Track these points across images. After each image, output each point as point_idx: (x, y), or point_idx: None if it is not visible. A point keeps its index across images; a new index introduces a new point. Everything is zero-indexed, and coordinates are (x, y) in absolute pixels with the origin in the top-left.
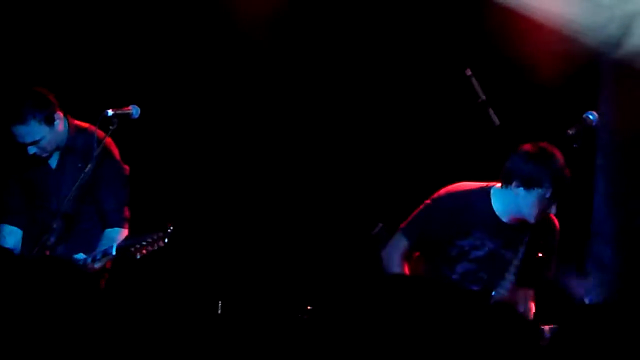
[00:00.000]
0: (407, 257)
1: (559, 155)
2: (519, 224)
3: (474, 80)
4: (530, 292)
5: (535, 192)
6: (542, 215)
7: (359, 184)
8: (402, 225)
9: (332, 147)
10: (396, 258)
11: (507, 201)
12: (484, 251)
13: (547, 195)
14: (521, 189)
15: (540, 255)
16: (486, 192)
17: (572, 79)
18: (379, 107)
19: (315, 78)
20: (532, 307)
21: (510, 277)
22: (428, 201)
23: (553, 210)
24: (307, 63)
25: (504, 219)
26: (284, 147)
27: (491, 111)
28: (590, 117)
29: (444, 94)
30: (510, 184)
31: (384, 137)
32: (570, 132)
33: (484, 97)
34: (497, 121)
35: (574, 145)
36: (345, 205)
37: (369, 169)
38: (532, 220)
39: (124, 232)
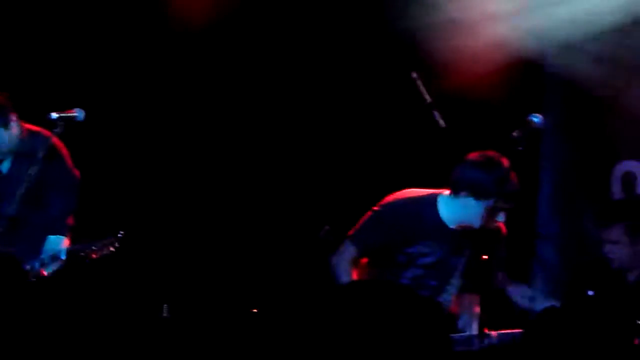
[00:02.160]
0: (355, 264)
1: (507, 165)
2: (465, 230)
3: (419, 83)
4: (476, 297)
5: (485, 203)
6: (491, 223)
7: (306, 187)
8: (350, 232)
9: (279, 150)
10: (344, 266)
11: (455, 209)
12: (432, 258)
13: (496, 206)
14: (471, 199)
15: (485, 257)
16: (434, 199)
17: (517, 82)
18: (326, 110)
19: (261, 81)
20: (478, 311)
21: (455, 282)
22: (376, 208)
23: (501, 218)
24: (254, 66)
25: (451, 226)
26: (230, 150)
27: (437, 114)
28: (535, 119)
29: (389, 97)
30: (459, 193)
31: (330, 140)
32: (515, 134)
33: (429, 99)
34: (442, 123)
35: (519, 148)
36: (292, 208)
37: (315, 172)
38: (476, 227)
39: (66, 241)
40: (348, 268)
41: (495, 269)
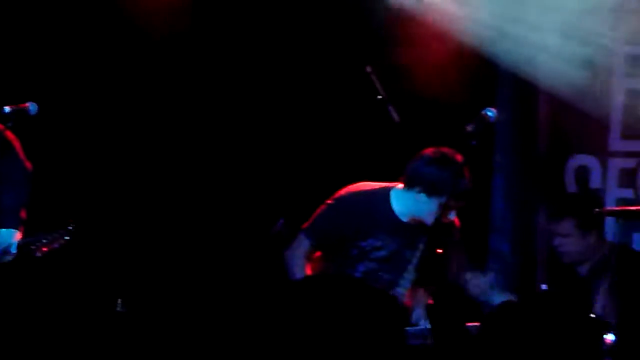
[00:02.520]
0: (308, 257)
1: (462, 163)
2: (419, 224)
3: (373, 77)
4: (430, 290)
5: (437, 200)
6: (441, 220)
7: (260, 181)
8: (304, 225)
9: (234, 144)
10: (298, 258)
11: (408, 203)
12: (385, 251)
13: (448, 203)
14: (423, 195)
15: (439, 251)
16: (387, 192)
17: (471, 76)
18: (282, 104)
19: (214, 76)
20: (430, 304)
21: (409, 275)
22: (329, 201)
23: (452, 216)
24: (206, 61)
25: (404, 220)
26: (184, 143)
27: (391, 108)
28: (489, 113)
29: (344, 92)
30: (413, 188)
31: (285, 133)
32: (468, 128)
33: (383, 94)
34: (396, 118)
35: (473, 142)
36: (246, 202)
37: (270, 166)
38: (429, 223)
39: (17, 235)
40: (301, 262)
41: (449, 261)
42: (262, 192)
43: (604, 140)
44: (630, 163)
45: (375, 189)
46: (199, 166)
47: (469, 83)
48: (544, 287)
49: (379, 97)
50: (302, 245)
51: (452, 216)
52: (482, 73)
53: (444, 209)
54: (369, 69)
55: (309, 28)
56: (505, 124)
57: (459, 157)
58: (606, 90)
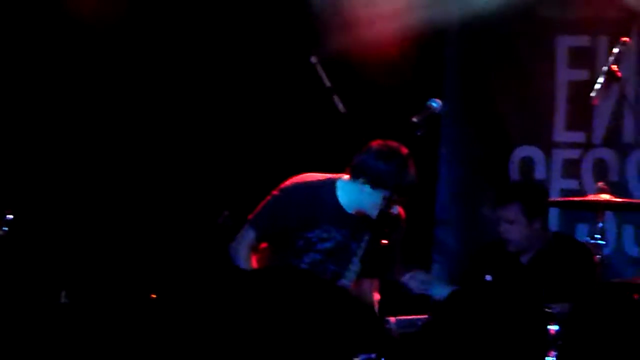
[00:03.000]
0: (254, 248)
1: (407, 156)
2: (364, 216)
3: (319, 67)
4: (375, 282)
5: (381, 192)
6: (387, 212)
7: (205, 172)
8: (250, 216)
9: (179, 135)
10: (243, 250)
11: (353, 195)
12: (331, 243)
13: (393, 196)
14: (368, 186)
15: (384, 242)
16: (333, 183)
17: (417, 67)
18: (226, 95)
19: (157, 66)
20: (377, 297)
21: (354, 267)
22: (275, 192)
23: (395, 210)
24: (148, 51)
25: (349, 211)
26: (128, 134)
27: (336, 98)
28: (434, 104)
29: (289, 82)
30: (358, 179)
31: (229, 125)
32: (414, 119)
33: (329, 84)
34: (342, 108)
35: (418, 133)
36: (191, 193)
37: (215, 157)
38: (373, 216)
39: None
40: (247, 253)
41: (395, 254)
42: (207, 184)
43: (548, 131)
44: (574, 154)
45: (321, 180)
46: (146, 157)
47: (415, 74)
48: (488, 278)
49: (325, 87)
50: (248, 236)
51: (395, 210)
52: (428, 64)
53: (388, 202)
54: (314, 59)
55: (252, 18)
56: (451, 115)
57: (405, 151)
58: (550, 81)
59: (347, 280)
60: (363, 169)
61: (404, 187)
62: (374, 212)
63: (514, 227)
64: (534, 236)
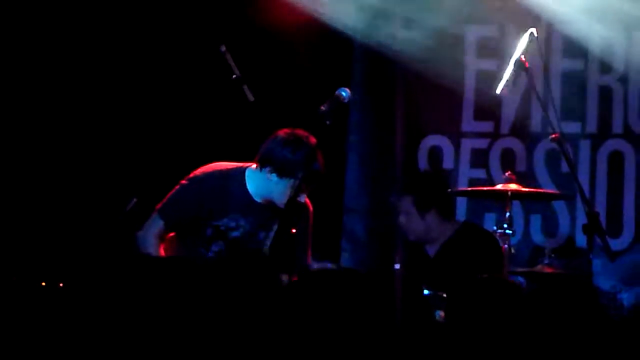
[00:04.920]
0: (162, 237)
1: (315, 145)
2: (271, 205)
3: (228, 56)
4: (284, 274)
5: (287, 181)
6: (292, 201)
7: (113, 160)
8: (158, 206)
9: (84, 121)
10: (151, 239)
11: (260, 184)
12: (239, 232)
13: (299, 185)
14: (274, 175)
15: (293, 231)
16: (241, 172)
17: (326, 56)
18: (134, 83)
19: (66, 54)
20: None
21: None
22: (184, 181)
23: (302, 198)
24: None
25: (258, 200)
26: (36, 121)
27: (245, 87)
28: (343, 94)
29: (198, 71)
30: (265, 168)
31: (139, 113)
32: (322, 108)
33: (238, 73)
34: (251, 97)
35: (327, 122)
36: (99, 181)
37: (123, 145)
38: (281, 205)
39: None
40: (154, 242)
41: (304, 243)
42: (115, 171)
43: (456, 121)
44: (482, 144)
45: (229, 169)
46: (54, 145)
47: (324, 63)
48: (397, 266)
49: (234, 76)
50: (155, 225)
51: (302, 199)
52: (337, 53)
53: (296, 191)
54: (223, 48)
55: (161, 7)
56: (360, 104)
57: (312, 139)
58: (459, 71)
59: None
60: (269, 158)
61: (312, 176)
62: (281, 201)
63: (409, 219)
64: (431, 228)
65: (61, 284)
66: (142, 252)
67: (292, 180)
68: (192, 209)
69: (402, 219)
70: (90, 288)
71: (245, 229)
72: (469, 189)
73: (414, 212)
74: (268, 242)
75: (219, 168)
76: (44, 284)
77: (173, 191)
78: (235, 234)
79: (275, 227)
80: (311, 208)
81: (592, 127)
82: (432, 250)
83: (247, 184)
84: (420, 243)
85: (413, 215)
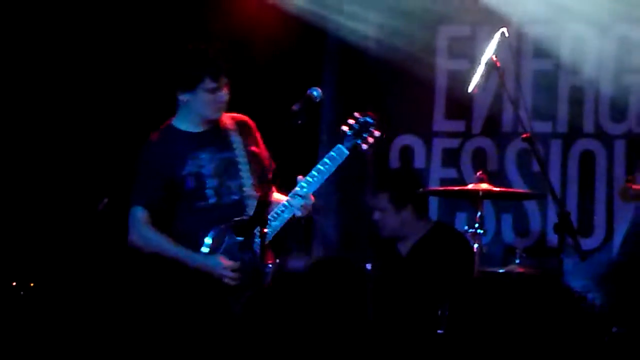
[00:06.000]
0: (151, 221)
1: (204, 46)
2: (214, 127)
3: None
4: (271, 188)
5: (200, 90)
6: (221, 108)
7: (84, 160)
8: (130, 198)
9: (56, 123)
10: (144, 230)
11: (185, 114)
12: (209, 164)
13: (211, 86)
14: (186, 94)
15: (254, 149)
16: (169, 122)
17: (297, 57)
18: (107, 81)
19: (33, 59)
20: (278, 200)
21: (248, 178)
22: (137, 161)
23: (223, 97)
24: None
25: (195, 130)
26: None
27: None
28: (314, 93)
29: (165, 69)
30: (180, 97)
31: (109, 113)
32: (294, 108)
33: None
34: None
35: (298, 122)
36: (70, 181)
37: (95, 145)
38: (214, 117)
39: None
40: (148, 230)
41: (267, 156)
42: (86, 172)
43: (428, 120)
44: (453, 143)
45: (162, 127)
46: (22, 148)
47: (295, 63)
48: (368, 267)
49: None
50: (138, 215)
51: (224, 97)
52: (309, 53)
53: (215, 93)
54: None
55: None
56: (331, 103)
57: (202, 45)
58: (430, 71)
59: (249, 188)
60: (173, 84)
61: (217, 70)
62: (211, 113)
63: (385, 216)
64: (406, 224)
65: (32, 284)
66: (146, 250)
67: (202, 86)
68: (156, 174)
69: (377, 216)
70: (61, 288)
71: (212, 158)
72: (441, 188)
73: (390, 209)
74: (243, 161)
75: (156, 132)
76: (14, 284)
77: (136, 175)
78: (208, 168)
79: (238, 145)
80: (250, 120)
81: (563, 126)
82: (404, 249)
83: (178, 125)
84: (392, 241)
85: (389, 212)
